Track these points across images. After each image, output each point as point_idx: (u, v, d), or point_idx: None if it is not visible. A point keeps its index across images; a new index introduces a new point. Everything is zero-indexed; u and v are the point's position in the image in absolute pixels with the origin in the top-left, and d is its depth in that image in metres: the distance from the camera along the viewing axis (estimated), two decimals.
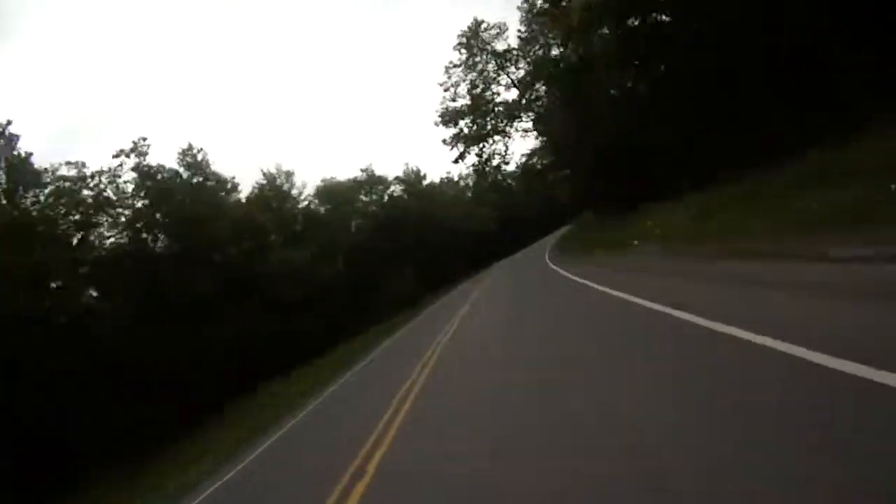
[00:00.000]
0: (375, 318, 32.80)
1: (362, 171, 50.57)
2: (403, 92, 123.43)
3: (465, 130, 33.58)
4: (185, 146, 32.52)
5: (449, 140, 33.96)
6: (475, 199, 73.74)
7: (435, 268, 48.53)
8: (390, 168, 74.67)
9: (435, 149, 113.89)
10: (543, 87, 32.93)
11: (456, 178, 78.45)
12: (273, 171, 42.58)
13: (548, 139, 34.91)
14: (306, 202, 43.43)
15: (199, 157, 33.35)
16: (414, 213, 52.53)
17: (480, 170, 34.40)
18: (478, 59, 33.90)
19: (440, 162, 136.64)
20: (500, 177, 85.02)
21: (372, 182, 50.10)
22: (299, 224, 41.24)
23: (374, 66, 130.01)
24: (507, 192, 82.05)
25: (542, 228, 76.18)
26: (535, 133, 38.69)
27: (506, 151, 34.62)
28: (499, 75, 33.99)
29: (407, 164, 58.34)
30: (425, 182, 60.40)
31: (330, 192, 44.03)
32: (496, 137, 33.71)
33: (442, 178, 72.40)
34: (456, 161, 34.39)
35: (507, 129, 33.55)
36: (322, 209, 42.29)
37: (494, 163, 34.42)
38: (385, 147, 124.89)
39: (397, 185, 54.36)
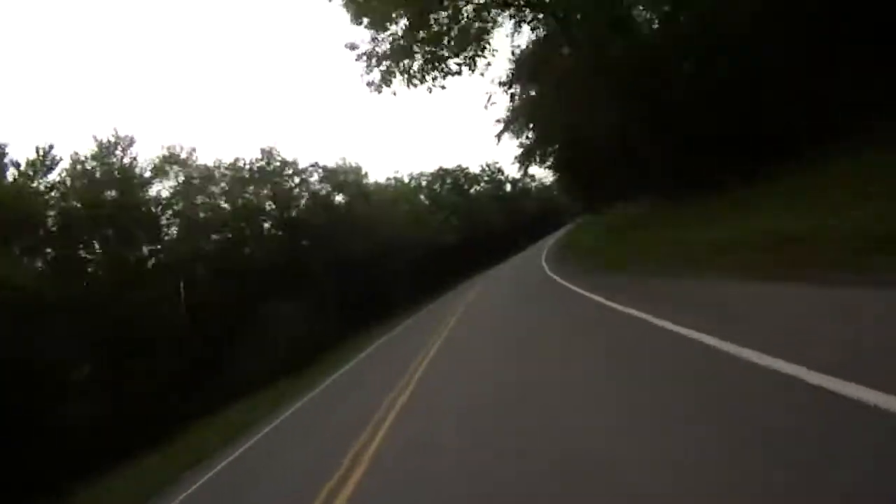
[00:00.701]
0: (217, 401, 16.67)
1: (263, 151, 33.93)
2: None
3: (402, 30, 16.04)
4: None
5: (370, 43, 16.09)
6: (431, 202, 58.55)
7: (367, 298, 32.49)
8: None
9: (381, 155, 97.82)
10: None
11: (406, 179, 63.08)
12: (111, 139, 25.18)
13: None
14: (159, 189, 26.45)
15: None
16: (341, 217, 36.53)
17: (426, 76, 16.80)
18: None
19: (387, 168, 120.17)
20: (463, 178, 71.34)
21: (272, 169, 33.43)
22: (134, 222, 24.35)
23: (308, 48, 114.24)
24: (469, 195, 67.44)
25: (512, 240, 61.76)
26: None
27: (481, 49, 16.89)
28: None
29: (344, 158, 41.94)
30: (366, 181, 44.36)
31: (179, 168, 26.91)
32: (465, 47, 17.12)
33: (388, 179, 56.82)
34: (378, 87, 16.63)
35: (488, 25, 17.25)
36: (170, 197, 25.41)
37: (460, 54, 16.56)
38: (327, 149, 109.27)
39: (315, 176, 37.92)
